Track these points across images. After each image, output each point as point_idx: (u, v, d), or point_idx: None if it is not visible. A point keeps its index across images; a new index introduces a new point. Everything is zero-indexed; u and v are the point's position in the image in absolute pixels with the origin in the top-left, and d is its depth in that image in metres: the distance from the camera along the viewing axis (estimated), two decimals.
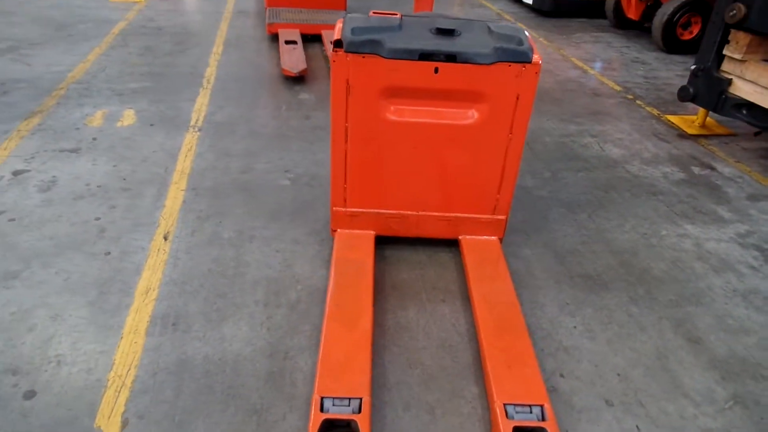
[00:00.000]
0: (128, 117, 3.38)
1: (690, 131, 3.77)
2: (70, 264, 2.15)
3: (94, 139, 3.09)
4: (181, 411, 1.62)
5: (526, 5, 7.04)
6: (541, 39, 5.82)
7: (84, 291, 2.02)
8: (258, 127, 3.40)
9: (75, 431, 1.54)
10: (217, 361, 1.78)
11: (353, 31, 1.95)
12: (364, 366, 1.71)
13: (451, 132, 2.11)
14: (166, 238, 2.35)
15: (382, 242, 2.39)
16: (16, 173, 2.71)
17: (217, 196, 2.68)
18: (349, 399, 1.59)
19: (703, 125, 3.82)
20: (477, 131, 2.11)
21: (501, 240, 2.39)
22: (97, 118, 3.33)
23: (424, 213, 2.31)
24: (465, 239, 2.36)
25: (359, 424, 1.52)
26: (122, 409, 1.61)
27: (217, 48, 4.77)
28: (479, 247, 2.33)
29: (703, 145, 3.60)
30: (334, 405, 1.58)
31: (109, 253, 2.23)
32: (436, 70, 1.97)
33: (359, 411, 1.57)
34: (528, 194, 2.91)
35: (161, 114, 3.46)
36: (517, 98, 2.03)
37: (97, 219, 2.43)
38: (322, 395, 1.59)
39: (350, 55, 1.94)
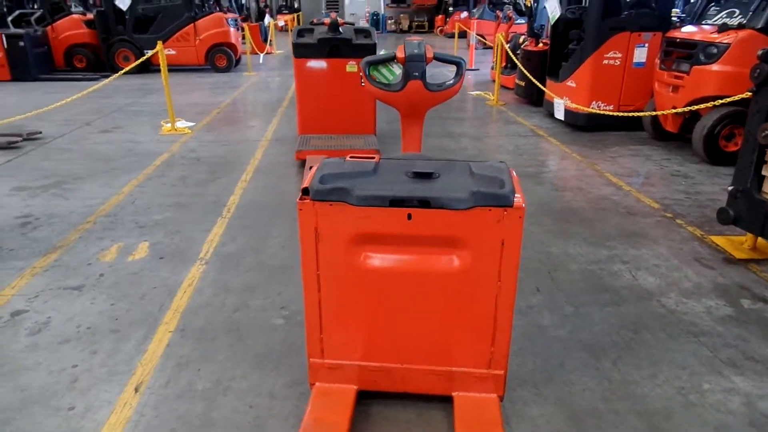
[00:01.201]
0: (141, 250, 3.43)
1: (738, 255, 3.38)
2: (29, 421, 2.03)
3: (101, 275, 3.12)
4: None
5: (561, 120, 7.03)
6: (574, 154, 5.69)
7: None
8: (265, 258, 3.34)
9: None
10: None
11: (322, 179, 1.87)
12: None
13: (431, 280, 1.92)
14: (137, 390, 2.20)
15: (367, 396, 2.14)
16: (14, 314, 2.73)
17: (204, 338, 2.55)
18: None
19: (753, 248, 3.43)
20: (460, 279, 1.90)
21: (501, 398, 2.07)
22: (112, 253, 3.40)
23: (410, 366, 2.06)
24: (459, 397, 2.07)
25: None
26: None
27: (246, 175, 4.94)
28: (474, 408, 2.02)
29: (755, 272, 3.19)
30: None
31: (73, 408, 2.10)
32: (409, 217, 1.83)
33: None
34: (543, 335, 2.59)
35: (174, 246, 3.49)
36: (502, 244, 1.84)
37: (75, 366, 2.34)
38: None
39: (317, 203, 1.84)
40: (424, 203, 1.81)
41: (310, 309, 2.01)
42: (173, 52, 11.36)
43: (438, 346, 2.03)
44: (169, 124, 6.64)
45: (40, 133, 6.29)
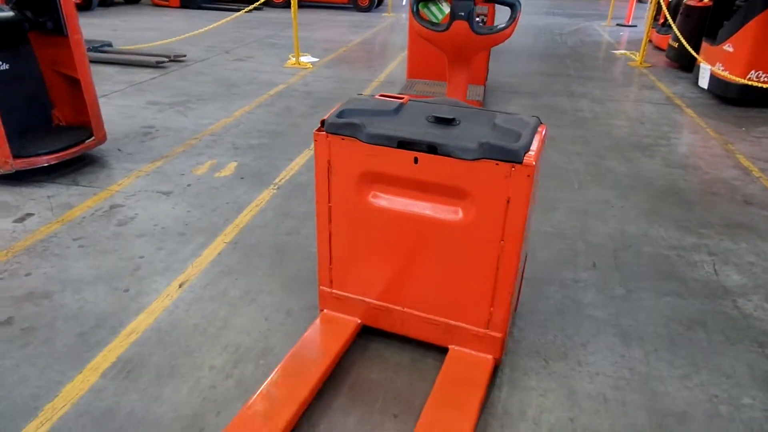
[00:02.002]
0: (228, 169, 3.77)
1: None
2: (92, 294, 2.42)
3: (189, 185, 3.50)
4: None
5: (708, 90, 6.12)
6: (708, 129, 4.97)
7: (84, 321, 2.25)
8: None
9: None
10: (139, 419, 1.80)
11: (341, 113, 1.90)
12: None
13: (435, 228, 1.88)
14: (180, 286, 2.50)
15: (371, 333, 2.21)
16: (112, 206, 3.20)
17: (251, 253, 2.78)
18: None
19: None
20: (462, 232, 1.85)
21: (498, 361, 2.02)
22: (204, 168, 3.78)
23: (410, 311, 2.08)
24: (453, 350, 2.05)
25: None
26: None
27: None
28: (464, 365, 1.99)
29: None
30: None
31: (127, 290, 2.46)
32: (416, 161, 1.80)
33: None
34: (578, 312, 2.43)
35: (257, 170, 3.77)
36: (508, 202, 1.74)
37: (141, 257, 2.71)
38: None
39: (330, 136, 1.88)
40: (432, 148, 1.76)
41: (321, 239, 2.10)
42: None
43: (438, 296, 2.01)
44: (294, 58, 6.99)
45: (185, 56, 7.00)
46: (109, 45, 7.26)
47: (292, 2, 6.73)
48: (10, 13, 3.47)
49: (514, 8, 2.32)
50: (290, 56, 7.22)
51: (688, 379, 2.07)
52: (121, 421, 1.80)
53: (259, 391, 1.83)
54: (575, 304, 2.48)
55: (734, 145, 4.60)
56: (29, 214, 3.07)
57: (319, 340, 2.09)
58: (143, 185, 3.48)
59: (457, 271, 1.93)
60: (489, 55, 5.47)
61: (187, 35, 7.59)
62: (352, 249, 2.07)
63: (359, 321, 2.18)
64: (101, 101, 5.04)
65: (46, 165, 3.43)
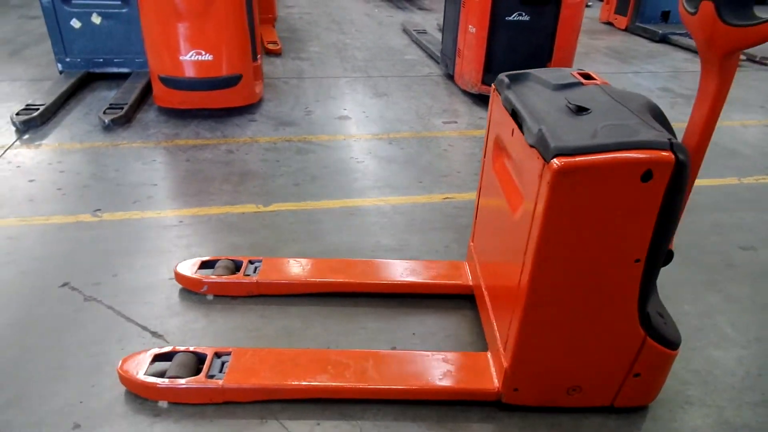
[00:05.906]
0: None
1: None
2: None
3: None
4: None
5: None
6: None
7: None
8: None
9: None
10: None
11: (514, 74, 1.88)
12: None
13: (507, 211, 1.71)
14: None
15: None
16: None
17: None
18: None
19: None
20: (512, 225, 1.63)
21: (499, 394, 1.69)
22: None
23: (485, 293, 1.96)
24: (484, 356, 1.84)
25: None
26: None
27: None
28: (471, 365, 1.80)
29: None
30: None
31: (446, 150, 3.20)
32: (512, 132, 1.67)
33: None
34: None
35: None
36: (535, 206, 1.43)
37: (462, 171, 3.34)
38: None
39: (494, 89, 1.92)
40: (519, 125, 1.60)
41: (477, 191, 2.16)
42: None
43: (495, 288, 1.84)
44: None
45: None
46: None
47: None
48: None
49: None
50: None
51: None
52: None
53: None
54: None
55: None
56: (455, 122, 4.12)
57: (424, 267, 2.28)
58: None
59: (505, 269, 1.71)
60: None
61: None
62: (480, 205, 2.09)
63: (470, 284, 2.19)
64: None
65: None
